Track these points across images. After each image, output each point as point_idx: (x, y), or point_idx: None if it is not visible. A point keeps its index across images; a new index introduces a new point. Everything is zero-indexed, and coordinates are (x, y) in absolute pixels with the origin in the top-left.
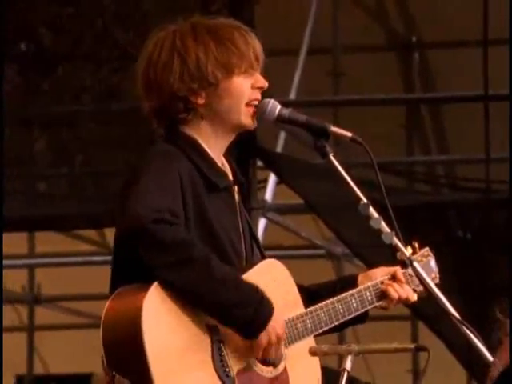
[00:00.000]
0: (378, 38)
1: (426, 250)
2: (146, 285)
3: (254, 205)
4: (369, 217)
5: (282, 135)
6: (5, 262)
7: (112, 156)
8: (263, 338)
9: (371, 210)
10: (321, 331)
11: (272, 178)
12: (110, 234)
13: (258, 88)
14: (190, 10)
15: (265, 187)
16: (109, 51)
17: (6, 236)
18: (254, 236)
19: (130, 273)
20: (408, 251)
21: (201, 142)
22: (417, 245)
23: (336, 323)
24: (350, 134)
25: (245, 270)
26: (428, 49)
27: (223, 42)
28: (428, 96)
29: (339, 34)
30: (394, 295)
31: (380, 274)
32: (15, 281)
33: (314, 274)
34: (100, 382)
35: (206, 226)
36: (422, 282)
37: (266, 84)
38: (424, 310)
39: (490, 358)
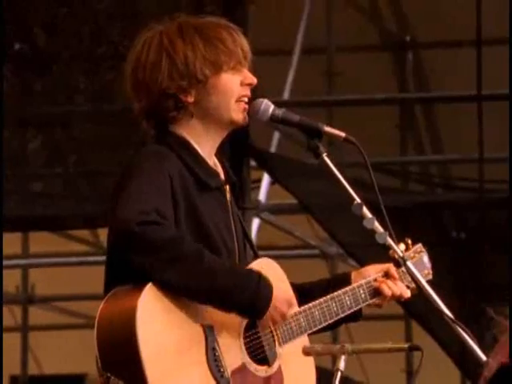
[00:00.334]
0: (372, 38)
1: (419, 246)
2: (140, 285)
3: (248, 205)
4: (362, 217)
5: (276, 135)
6: None
7: (106, 156)
8: (269, 316)
9: (365, 209)
10: (315, 329)
11: (266, 178)
12: (103, 234)
13: (247, 84)
14: (183, 10)
15: (258, 187)
16: (103, 52)
17: None
18: (246, 235)
19: (124, 274)
20: (401, 247)
21: (192, 141)
22: (409, 241)
23: (330, 321)
24: (343, 134)
25: None
26: (422, 49)
27: (211, 40)
28: (422, 96)
29: (333, 33)
30: (388, 292)
31: (373, 271)
32: (9, 281)
33: (308, 273)
34: (94, 382)
35: (198, 225)
36: (416, 282)
37: (254, 80)
38: (417, 309)
39: (483, 358)
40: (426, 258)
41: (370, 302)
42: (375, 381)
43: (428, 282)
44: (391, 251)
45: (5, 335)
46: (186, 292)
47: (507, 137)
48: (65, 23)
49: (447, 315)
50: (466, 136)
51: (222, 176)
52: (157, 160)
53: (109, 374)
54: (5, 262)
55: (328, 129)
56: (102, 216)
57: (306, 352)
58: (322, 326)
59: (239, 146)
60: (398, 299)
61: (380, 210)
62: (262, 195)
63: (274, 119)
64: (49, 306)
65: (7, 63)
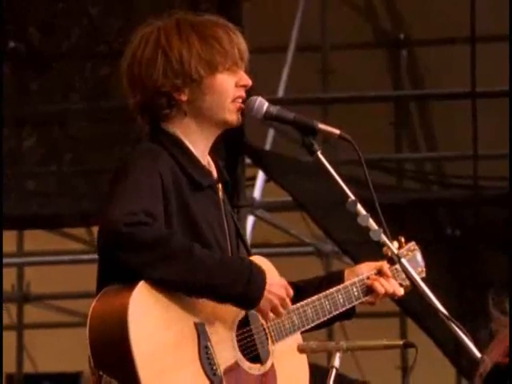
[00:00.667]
0: (367, 36)
1: (413, 244)
2: (131, 284)
3: (243, 202)
4: (357, 214)
5: (271, 133)
6: None
7: (103, 154)
8: (264, 303)
9: (359, 207)
10: (308, 327)
11: (260, 176)
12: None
13: (242, 86)
14: (178, 8)
15: (253, 185)
16: (98, 49)
17: None
18: (239, 234)
19: (116, 272)
20: (394, 245)
21: (185, 139)
22: (403, 239)
23: (323, 319)
24: (337, 132)
25: None
26: (416, 46)
27: (207, 39)
28: (416, 93)
29: (327, 31)
30: (381, 290)
31: (366, 269)
32: (4, 279)
33: (303, 271)
34: (89, 380)
35: (191, 223)
36: (410, 279)
37: (249, 82)
38: (412, 307)
39: (478, 355)
40: (419, 256)
41: (363, 299)
42: (370, 378)
43: (422, 279)
44: (385, 248)
45: None
46: (179, 287)
47: (501, 134)
48: (60, 21)
49: (442, 312)
50: (460, 133)
51: (215, 175)
52: (149, 158)
53: (101, 373)
54: None
55: (322, 126)
56: (98, 214)
57: (301, 349)
58: (314, 323)
59: (234, 143)
60: (390, 297)
61: (375, 208)
62: (257, 193)
63: (268, 117)
64: (44, 305)
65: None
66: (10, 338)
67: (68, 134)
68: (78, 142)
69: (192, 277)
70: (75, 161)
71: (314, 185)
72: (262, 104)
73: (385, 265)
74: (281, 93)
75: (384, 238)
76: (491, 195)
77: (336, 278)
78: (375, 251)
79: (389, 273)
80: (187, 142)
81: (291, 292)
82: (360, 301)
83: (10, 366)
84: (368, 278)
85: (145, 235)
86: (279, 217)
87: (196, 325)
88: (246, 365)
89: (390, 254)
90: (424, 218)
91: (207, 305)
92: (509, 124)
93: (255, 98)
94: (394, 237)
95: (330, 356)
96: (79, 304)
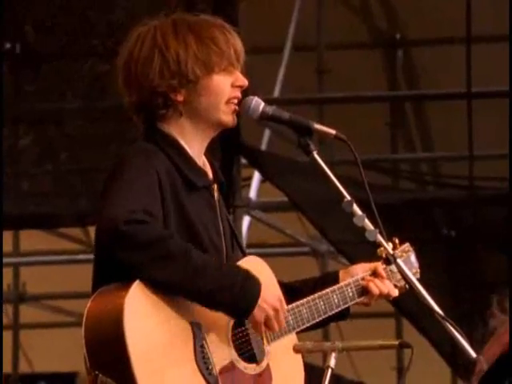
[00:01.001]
0: (362, 36)
1: (407, 246)
2: (127, 283)
3: (239, 202)
4: (352, 214)
5: (267, 133)
6: None
7: (99, 153)
8: (258, 314)
9: (355, 207)
10: (303, 327)
11: (256, 176)
12: (94, 232)
13: (238, 86)
14: (174, 8)
15: (249, 185)
16: (94, 48)
17: None
18: (234, 235)
19: (112, 272)
20: (389, 247)
21: (180, 140)
22: (397, 240)
23: (318, 319)
24: (333, 132)
25: None
26: (412, 46)
27: (204, 39)
28: (412, 93)
29: (323, 31)
30: (375, 291)
31: (361, 270)
32: None
33: (299, 271)
34: (85, 380)
35: (186, 224)
36: (406, 279)
37: (246, 83)
38: (408, 307)
39: (474, 355)
40: (413, 258)
41: (358, 300)
42: (366, 378)
43: (418, 279)
44: (379, 250)
45: None
46: (173, 290)
47: (497, 134)
48: (56, 20)
49: (437, 312)
50: (456, 133)
51: (211, 175)
52: (145, 158)
53: (97, 372)
54: None
55: (318, 126)
56: (94, 213)
57: (297, 349)
58: (309, 324)
59: (230, 143)
60: (385, 298)
61: (370, 208)
62: (253, 193)
63: (264, 117)
64: (40, 305)
65: None
66: (5, 337)
67: (64, 132)
68: (74, 140)
69: (186, 280)
70: (71, 160)
71: (309, 185)
72: (257, 104)
73: (379, 266)
74: (277, 93)
75: (380, 238)
76: (487, 195)
77: (331, 279)
78: (371, 251)
79: (383, 274)
80: (183, 143)
81: (285, 306)
82: (355, 301)
83: (5, 366)
84: (363, 278)
85: (144, 233)
86: (275, 217)
87: (192, 324)
88: (242, 364)
89: (385, 254)
90: (420, 219)
91: None
92: (508, 124)
93: (251, 97)
94: (389, 237)
95: (326, 356)
96: (75, 304)
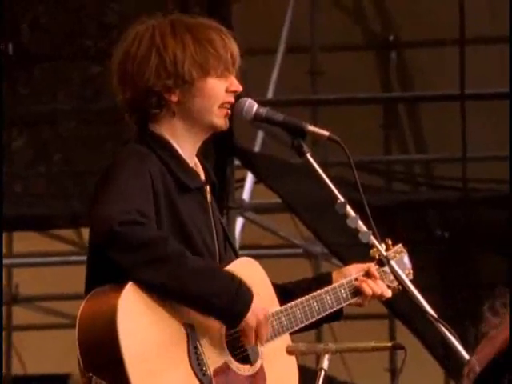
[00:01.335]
0: (356, 37)
1: (400, 247)
2: (120, 285)
3: (232, 204)
4: (346, 216)
5: (260, 134)
6: None
7: (92, 154)
8: (249, 322)
9: (348, 208)
10: (296, 328)
11: (250, 177)
12: (87, 233)
13: (232, 91)
14: (168, 9)
15: (242, 186)
16: (88, 49)
17: None
18: (227, 236)
19: (105, 274)
20: (382, 248)
21: (172, 141)
22: (390, 241)
23: (311, 320)
24: (327, 133)
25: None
26: (406, 48)
27: (202, 42)
28: (405, 95)
29: (317, 32)
30: (369, 291)
31: (354, 270)
32: None
33: (292, 273)
34: (78, 382)
35: (179, 226)
36: (399, 280)
37: (240, 88)
38: (401, 308)
39: (466, 356)
40: (406, 258)
41: (352, 301)
42: (359, 380)
43: (411, 280)
44: (372, 251)
45: None
46: (165, 293)
47: (490, 136)
48: (49, 21)
49: (430, 314)
50: (449, 135)
51: (203, 176)
52: (138, 160)
53: (91, 374)
54: None
55: (312, 128)
56: (88, 215)
57: (290, 351)
58: (303, 325)
59: (223, 145)
60: (378, 298)
61: (364, 209)
62: (246, 194)
63: (257, 118)
64: (33, 306)
65: None
66: None
67: (58, 134)
68: (68, 142)
69: (179, 284)
70: (65, 161)
71: (303, 186)
72: (251, 105)
73: (372, 266)
74: (270, 94)
75: (373, 240)
76: (480, 197)
77: (324, 280)
78: (365, 253)
79: (376, 274)
80: (175, 144)
81: (268, 322)
82: (348, 302)
83: None
84: (356, 279)
85: (138, 235)
86: (268, 218)
87: (185, 326)
88: (236, 365)
89: (378, 256)
90: (413, 220)
91: None
92: (509, 126)
93: (245, 99)
94: (382, 239)
95: (319, 358)
96: (68, 305)
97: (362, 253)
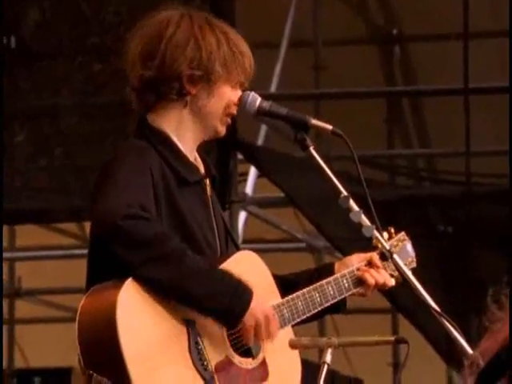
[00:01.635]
0: (359, 32)
1: (402, 235)
2: (120, 281)
3: (235, 198)
4: (349, 210)
5: (263, 128)
6: None
7: (93, 149)
8: (248, 322)
9: (351, 203)
10: (299, 320)
11: (253, 171)
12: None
13: (235, 104)
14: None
15: (245, 180)
16: (90, 44)
17: None
18: (228, 231)
19: (107, 267)
20: (384, 236)
21: (172, 135)
22: (392, 230)
23: (314, 311)
24: (330, 127)
25: (219, 262)
26: (409, 42)
27: (233, 47)
28: (409, 89)
29: (320, 27)
30: (371, 281)
31: (356, 260)
32: None
33: (295, 267)
34: (80, 376)
35: (179, 220)
36: (403, 275)
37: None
38: (404, 303)
39: (469, 350)
40: (409, 246)
41: (354, 291)
42: (362, 374)
43: (413, 274)
44: (375, 241)
45: None
46: (165, 291)
47: (494, 130)
48: (51, 16)
49: (433, 308)
50: (452, 129)
51: (203, 170)
52: (138, 155)
53: (91, 372)
54: None
55: (315, 122)
56: (89, 209)
57: (293, 345)
58: (305, 316)
59: (226, 139)
60: (381, 288)
61: (367, 204)
62: (249, 188)
63: (261, 112)
64: (35, 299)
65: None
66: None
67: (59, 129)
68: (69, 137)
69: (178, 283)
70: (66, 156)
71: (306, 181)
72: (254, 99)
73: (375, 256)
74: (273, 88)
75: (376, 234)
76: (483, 192)
77: (326, 271)
78: (367, 247)
79: (379, 263)
80: (175, 139)
81: (273, 319)
82: (351, 292)
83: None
84: (358, 269)
85: (141, 230)
86: (271, 212)
87: (186, 321)
88: (237, 359)
89: (381, 249)
90: (416, 215)
91: None
92: (509, 120)
93: (248, 93)
94: (384, 228)
95: (322, 352)
96: (70, 299)
97: (364, 247)
